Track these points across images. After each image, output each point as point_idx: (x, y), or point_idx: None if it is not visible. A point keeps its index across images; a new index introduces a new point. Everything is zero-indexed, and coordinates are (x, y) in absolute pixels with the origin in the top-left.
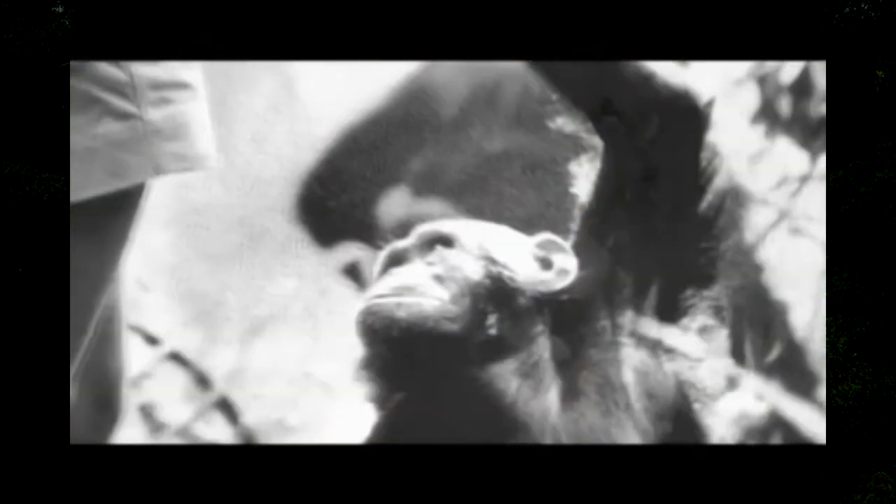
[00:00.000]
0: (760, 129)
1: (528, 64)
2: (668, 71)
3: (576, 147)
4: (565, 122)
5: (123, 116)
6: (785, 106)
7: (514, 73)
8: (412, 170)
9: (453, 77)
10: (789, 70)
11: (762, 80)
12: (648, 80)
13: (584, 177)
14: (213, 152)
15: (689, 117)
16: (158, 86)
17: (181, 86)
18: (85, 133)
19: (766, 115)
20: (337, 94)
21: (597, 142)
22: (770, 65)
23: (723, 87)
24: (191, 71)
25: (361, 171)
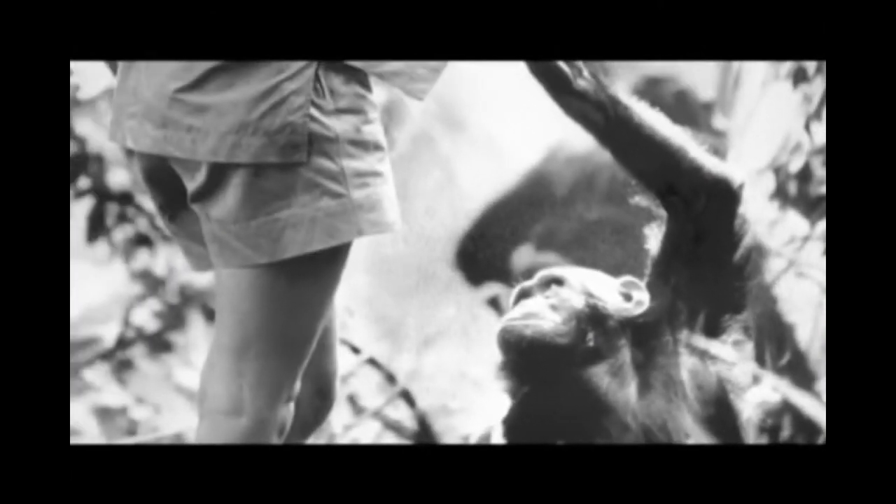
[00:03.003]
0: (775, 204)
1: (614, 157)
2: (711, 162)
3: (648, 217)
4: (641, 199)
5: (337, 196)
6: (793, 188)
7: (605, 163)
8: (536, 232)
9: (563, 167)
10: (796, 162)
11: (777, 170)
12: (699, 169)
13: (654, 237)
14: (398, 220)
15: (727, 196)
16: (361, 174)
17: (376, 174)
18: (310, 207)
19: (780, 194)
20: (483, 179)
21: (663, 213)
22: (782, 158)
23: (749, 175)
24: (382, 164)
25: (501, 233)
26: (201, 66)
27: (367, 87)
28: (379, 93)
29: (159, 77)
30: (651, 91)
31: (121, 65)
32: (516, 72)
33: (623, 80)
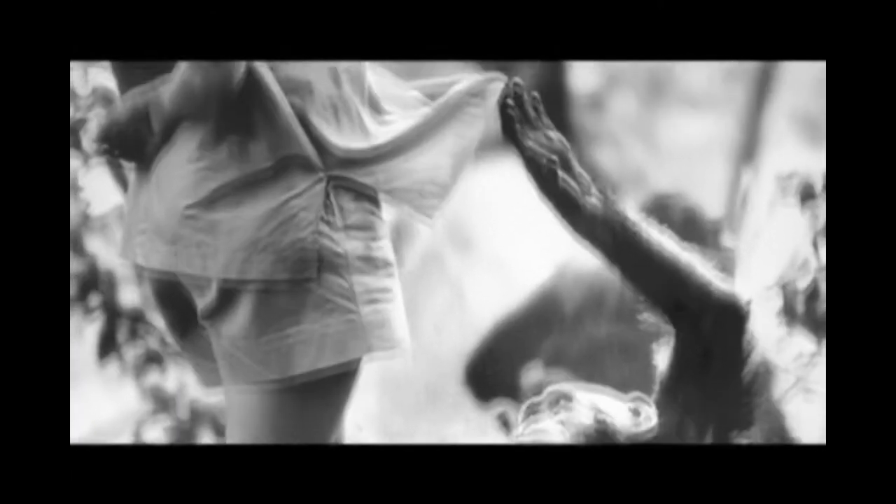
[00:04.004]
0: (783, 321)
1: (621, 278)
2: (718, 280)
3: (657, 334)
4: (649, 317)
5: (346, 313)
6: (800, 306)
7: (613, 285)
8: (544, 350)
9: (572, 286)
10: (804, 280)
11: (784, 288)
12: (707, 287)
13: (661, 355)
14: (408, 337)
15: (735, 313)
16: (370, 291)
17: (386, 291)
18: (320, 324)
19: (787, 312)
20: (491, 297)
21: (670, 330)
22: (790, 274)
23: (757, 292)
24: (392, 281)
25: (509, 350)
26: (211, 185)
27: (376, 204)
28: (388, 210)
29: (170, 194)
30: (659, 209)
31: (131, 183)
32: (524, 190)
33: (631, 198)
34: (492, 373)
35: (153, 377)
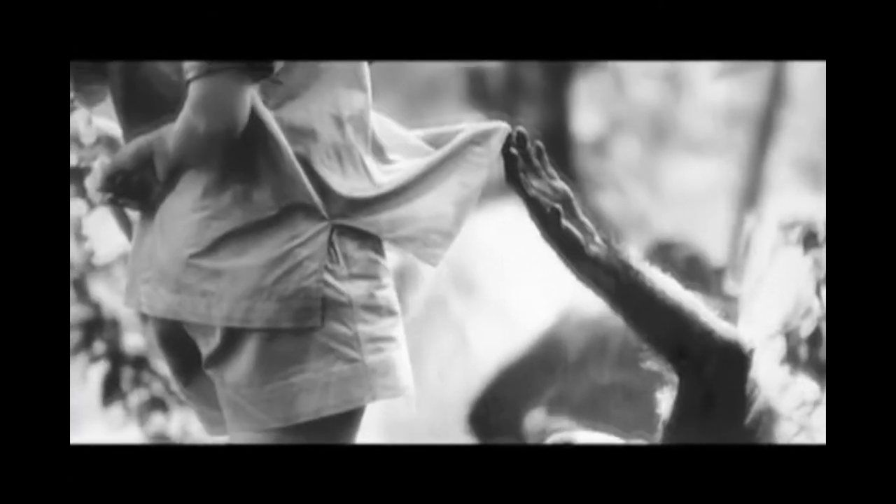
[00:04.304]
0: (786, 367)
1: (624, 323)
2: (721, 327)
3: (660, 381)
4: (652, 363)
5: (350, 360)
6: (803, 353)
7: (616, 330)
8: (548, 395)
9: (575, 331)
10: (807, 327)
11: (787, 335)
12: (710, 334)
13: (665, 401)
14: (412, 384)
15: (738, 360)
16: (374, 339)
17: (390, 339)
18: (323, 371)
19: (790, 358)
20: (496, 343)
21: (674, 377)
22: (793, 320)
23: (760, 339)
24: (395, 328)
25: (513, 397)
26: (215, 232)
27: (380, 252)
28: (392, 257)
29: (174, 242)
30: (662, 255)
31: (135, 229)
32: (528, 236)
33: (635, 244)
34: (495, 418)
35: (157, 423)
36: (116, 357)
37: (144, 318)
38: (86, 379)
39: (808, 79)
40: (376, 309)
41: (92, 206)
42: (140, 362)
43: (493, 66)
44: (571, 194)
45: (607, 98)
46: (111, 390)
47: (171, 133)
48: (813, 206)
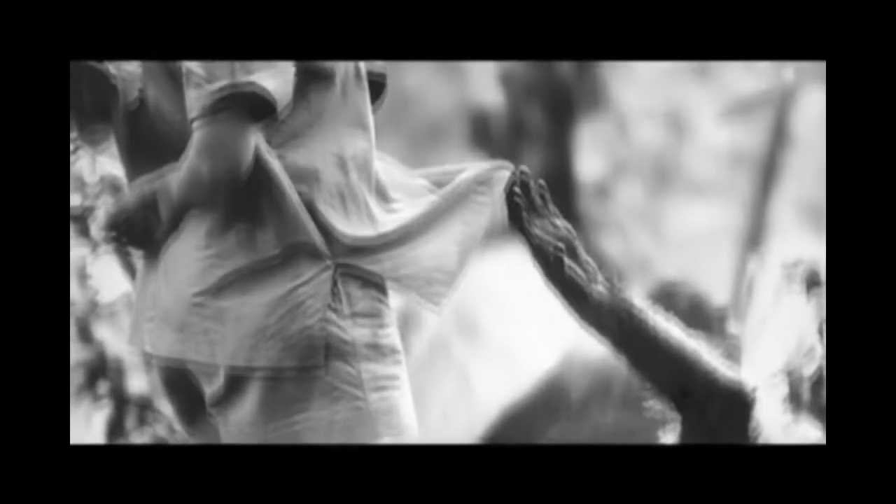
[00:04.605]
0: (789, 408)
1: (627, 365)
2: (724, 367)
3: (663, 421)
4: (656, 404)
5: (354, 400)
6: (806, 393)
7: (619, 372)
8: (550, 437)
9: (578, 373)
10: (809, 367)
11: (790, 375)
12: (713, 375)
13: (668, 442)
14: (415, 424)
15: (741, 400)
16: (377, 379)
17: (393, 378)
18: (327, 411)
19: (793, 399)
20: (499, 384)
21: (677, 417)
22: (796, 361)
23: (763, 380)
24: (399, 368)
25: (517, 437)
26: (218, 273)
27: (383, 292)
28: (395, 297)
29: (177, 282)
30: (665, 297)
31: (139, 270)
32: (531, 278)
33: (637, 285)
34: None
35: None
36: (120, 398)
37: (148, 358)
38: (90, 420)
39: (810, 121)
40: (380, 349)
41: (96, 247)
42: (144, 403)
43: (496, 109)
44: (574, 234)
45: (610, 141)
46: (115, 431)
47: (175, 175)
48: (815, 248)
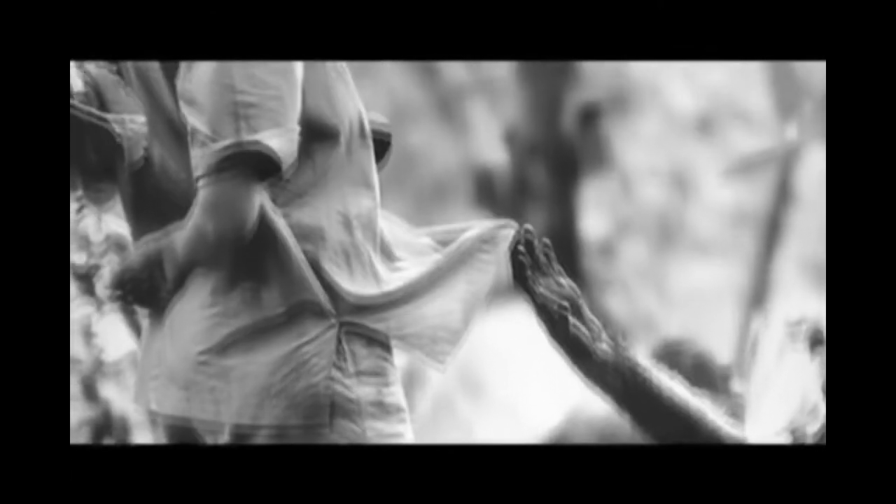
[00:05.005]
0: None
1: (631, 423)
2: (728, 425)
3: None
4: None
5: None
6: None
7: (624, 432)
8: None
9: (583, 430)
10: (813, 426)
11: (794, 433)
12: (717, 433)
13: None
14: None
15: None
16: (382, 437)
17: (398, 436)
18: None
19: None
20: (503, 442)
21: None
22: (799, 419)
23: (766, 438)
24: (404, 426)
25: None
26: (223, 331)
27: (388, 350)
28: (400, 355)
29: (183, 340)
30: (669, 355)
31: (144, 329)
32: (535, 336)
33: (641, 343)
34: None
35: None
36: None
37: (154, 416)
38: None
39: (813, 179)
40: (384, 407)
41: (101, 305)
42: None
43: (500, 168)
44: (578, 292)
45: (614, 199)
46: None
47: (180, 234)
48: (819, 306)
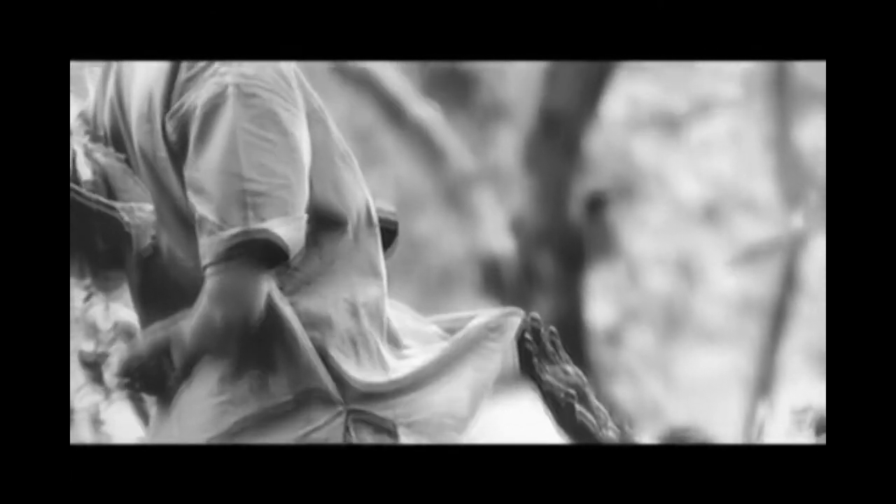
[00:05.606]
0: None
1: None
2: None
3: None
4: None
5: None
6: None
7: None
8: None
9: None
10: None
11: None
12: None
13: None
14: None
15: None
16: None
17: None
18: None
19: None
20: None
21: None
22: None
23: None
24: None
25: None
26: (231, 419)
27: (395, 436)
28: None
29: (190, 428)
30: (675, 442)
31: (152, 417)
32: (541, 424)
33: (648, 431)
34: None
35: None
36: None
37: None
38: None
39: (819, 267)
40: None
41: (109, 393)
42: None
43: (506, 256)
44: (585, 380)
45: (620, 288)
46: None
47: (188, 322)
48: (825, 395)
